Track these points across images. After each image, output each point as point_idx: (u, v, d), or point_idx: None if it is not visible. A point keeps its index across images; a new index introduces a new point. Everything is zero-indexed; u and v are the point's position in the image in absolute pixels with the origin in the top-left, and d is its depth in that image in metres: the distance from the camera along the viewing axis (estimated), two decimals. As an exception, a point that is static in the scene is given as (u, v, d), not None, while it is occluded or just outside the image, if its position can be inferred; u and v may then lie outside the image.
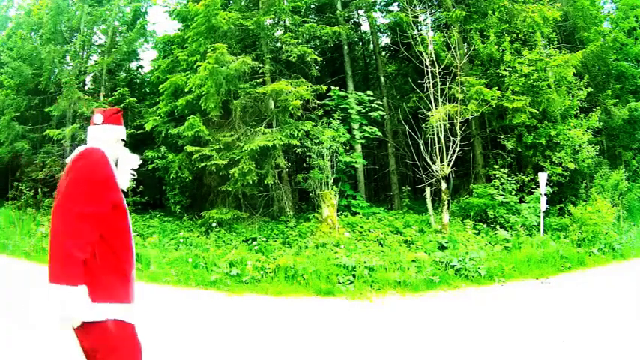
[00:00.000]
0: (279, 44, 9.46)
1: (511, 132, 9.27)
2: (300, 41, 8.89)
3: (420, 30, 9.61)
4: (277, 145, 8.01)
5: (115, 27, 12.64)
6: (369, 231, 7.44)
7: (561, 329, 3.82)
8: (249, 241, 7.30)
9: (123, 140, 1.90)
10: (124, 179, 1.78)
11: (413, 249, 6.72)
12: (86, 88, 13.06)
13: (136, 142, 11.82)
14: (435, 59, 8.17)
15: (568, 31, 11.42)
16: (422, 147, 8.00)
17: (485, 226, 7.87)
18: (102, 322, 1.58)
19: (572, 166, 8.57)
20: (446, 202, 7.62)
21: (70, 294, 1.48)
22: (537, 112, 8.66)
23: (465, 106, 8.29)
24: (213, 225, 7.81)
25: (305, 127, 8.35)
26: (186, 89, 8.50)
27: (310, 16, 11.33)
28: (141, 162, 1.93)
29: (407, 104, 10.33)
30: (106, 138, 1.81)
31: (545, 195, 7.72)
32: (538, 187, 7.89)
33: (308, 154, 8.37)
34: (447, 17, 9.97)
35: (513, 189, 8.39)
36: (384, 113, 10.30)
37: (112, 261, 1.66)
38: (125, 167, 1.81)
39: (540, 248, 6.70)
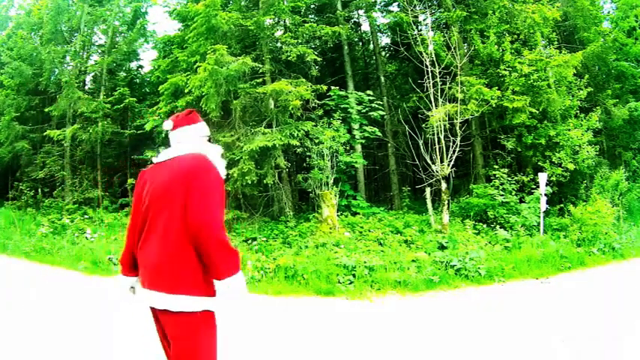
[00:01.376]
0: (279, 44, 9.46)
1: (511, 132, 9.27)
2: (300, 41, 8.89)
3: (420, 30, 9.61)
4: (277, 145, 8.01)
5: (115, 27, 12.65)
6: (369, 231, 7.44)
7: (561, 329, 3.82)
8: (249, 241, 7.30)
9: (208, 136, 2.06)
10: (222, 173, 1.92)
11: (413, 249, 6.72)
12: (86, 88, 13.08)
13: (136, 142, 11.85)
14: (435, 59, 8.17)
15: (568, 31, 11.43)
16: (422, 147, 8.00)
17: (485, 226, 7.87)
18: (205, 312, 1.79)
19: (571, 166, 8.57)
20: (446, 202, 7.62)
21: (243, 279, 1.76)
22: (537, 112, 8.66)
23: (465, 106, 8.29)
24: (213, 225, 7.78)
25: (305, 127, 8.35)
26: (186, 90, 8.50)
27: (310, 16, 11.34)
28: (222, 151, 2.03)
29: (407, 104, 10.33)
30: (197, 138, 1.98)
31: (545, 195, 7.72)
32: (538, 187, 7.89)
33: (308, 154, 8.37)
34: (447, 17, 9.97)
35: (513, 189, 8.39)
36: (384, 113, 10.30)
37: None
38: (220, 162, 1.91)
39: (540, 248, 6.70)
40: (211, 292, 1.77)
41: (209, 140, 2.03)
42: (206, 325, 1.77)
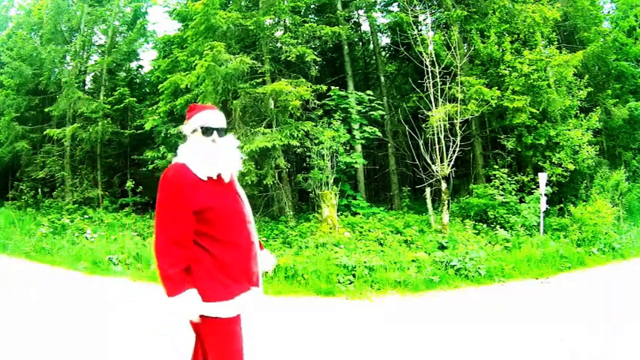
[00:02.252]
0: (279, 44, 9.46)
1: (511, 132, 9.27)
2: (300, 41, 8.89)
3: (420, 30, 9.60)
4: (277, 146, 8.00)
5: (115, 27, 12.65)
6: (369, 231, 7.44)
7: (561, 329, 3.82)
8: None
9: (202, 127, 1.95)
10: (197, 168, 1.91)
11: (413, 249, 6.71)
12: (86, 88, 13.08)
13: (136, 142, 11.86)
14: (435, 59, 8.16)
15: (568, 31, 11.43)
16: (422, 147, 7.99)
17: (485, 226, 7.87)
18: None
19: (571, 166, 8.57)
20: (446, 202, 7.62)
21: (181, 302, 1.80)
22: (537, 112, 8.66)
23: (465, 106, 8.28)
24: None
25: (305, 127, 8.35)
26: (182, 86, 8.48)
27: (310, 16, 11.34)
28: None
29: (407, 104, 10.33)
30: (189, 136, 1.98)
31: (545, 195, 7.71)
32: (538, 187, 7.88)
33: (308, 154, 8.37)
34: (447, 17, 9.97)
35: (513, 189, 8.38)
36: (384, 113, 10.30)
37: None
38: (196, 157, 1.90)
39: (540, 248, 6.69)
40: (208, 298, 1.75)
41: (204, 131, 1.86)
42: (207, 330, 1.78)
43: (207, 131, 1.86)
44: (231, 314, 1.77)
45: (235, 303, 1.78)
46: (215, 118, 1.91)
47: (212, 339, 1.78)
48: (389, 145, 11.37)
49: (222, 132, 1.91)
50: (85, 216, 9.53)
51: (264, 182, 8.15)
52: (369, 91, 9.83)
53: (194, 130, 1.89)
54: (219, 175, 1.84)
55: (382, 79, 11.88)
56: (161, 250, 1.71)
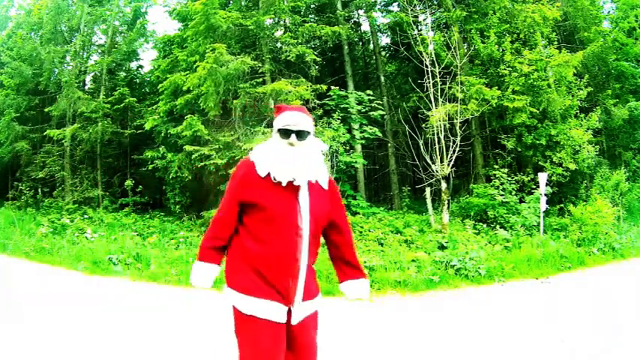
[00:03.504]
0: (278, 44, 9.46)
1: (511, 132, 9.27)
2: (299, 41, 8.89)
3: (420, 30, 9.61)
4: (277, 145, 7.98)
5: (115, 27, 12.64)
6: (369, 231, 7.43)
7: (561, 329, 3.81)
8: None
9: (281, 127, 1.85)
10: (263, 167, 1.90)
11: (413, 249, 6.71)
12: (86, 88, 13.06)
13: (136, 142, 11.85)
14: (435, 59, 8.16)
15: (568, 31, 11.43)
16: (422, 147, 7.99)
17: (485, 226, 7.87)
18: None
19: (572, 166, 8.57)
20: (446, 202, 7.62)
21: (195, 268, 1.98)
22: (537, 111, 8.66)
23: (465, 106, 8.29)
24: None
25: (305, 126, 8.33)
26: (184, 88, 8.49)
27: (310, 16, 11.33)
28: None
29: (407, 104, 10.33)
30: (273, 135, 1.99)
31: (545, 195, 7.72)
32: (538, 187, 7.89)
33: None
34: (447, 17, 9.97)
35: (513, 189, 8.38)
36: (384, 113, 10.30)
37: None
38: (265, 158, 1.90)
39: (540, 248, 6.69)
40: (230, 283, 1.82)
41: (283, 133, 1.78)
42: (233, 316, 1.82)
43: (285, 133, 1.78)
44: (245, 310, 1.74)
45: (251, 301, 1.74)
46: (295, 119, 1.79)
47: (235, 328, 1.81)
48: (389, 145, 11.37)
49: (303, 134, 1.79)
50: (85, 216, 9.53)
51: (264, 182, 8.12)
52: (369, 91, 9.82)
53: (275, 132, 1.85)
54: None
55: (382, 79, 11.88)
56: (210, 224, 1.91)
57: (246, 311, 1.74)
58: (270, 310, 1.73)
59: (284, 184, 1.74)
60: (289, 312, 1.78)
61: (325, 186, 1.90)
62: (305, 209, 1.77)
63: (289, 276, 1.75)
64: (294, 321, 1.79)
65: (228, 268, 1.85)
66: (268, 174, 1.76)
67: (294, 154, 1.75)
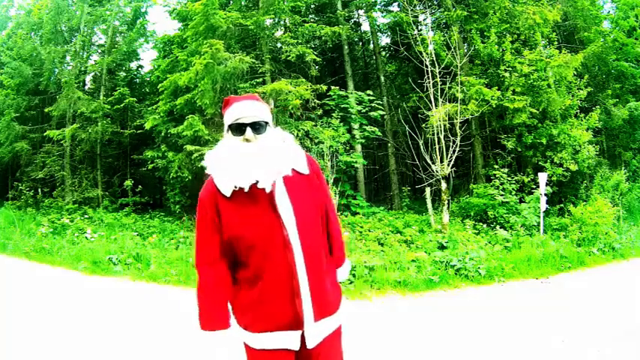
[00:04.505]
0: (278, 44, 9.46)
1: (511, 132, 9.27)
2: (299, 41, 8.89)
3: (420, 30, 9.61)
4: (277, 145, 7.99)
5: (115, 27, 12.65)
6: (369, 231, 7.43)
7: (561, 329, 3.81)
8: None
9: (230, 123, 1.60)
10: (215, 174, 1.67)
11: (413, 249, 6.71)
12: (86, 88, 13.08)
13: (135, 142, 11.86)
14: (435, 59, 8.16)
15: (568, 31, 11.43)
16: (422, 147, 7.99)
17: (485, 226, 7.86)
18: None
19: (573, 167, 8.57)
20: (446, 202, 7.62)
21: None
22: (537, 112, 8.66)
23: (464, 106, 8.28)
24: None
25: (305, 126, 8.35)
26: (180, 84, 8.47)
27: (310, 16, 11.34)
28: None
29: (407, 104, 10.32)
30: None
31: (545, 195, 7.71)
32: (538, 187, 7.88)
33: (308, 153, 8.36)
34: (447, 17, 9.97)
35: (513, 189, 8.38)
36: (384, 113, 10.31)
37: None
38: (217, 163, 1.68)
39: (540, 248, 6.69)
40: (237, 321, 1.62)
41: (234, 128, 1.51)
42: (245, 352, 1.66)
43: (237, 129, 1.49)
44: (256, 346, 1.57)
45: (258, 337, 1.56)
46: (247, 110, 1.49)
47: None
48: (389, 145, 11.37)
49: (259, 126, 1.50)
50: (85, 216, 9.53)
51: (264, 182, 8.12)
52: (369, 91, 9.83)
53: (227, 131, 1.54)
54: (253, 185, 1.46)
55: (382, 79, 11.88)
56: (197, 272, 1.57)
57: (257, 347, 1.57)
58: (282, 341, 1.53)
59: (246, 189, 1.45)
60: (303, 336, 1.53)
61: (305, 170, 1.61)
62: (288, 215, 1.47)
63: (290, 297, 1.48)
64: (309, 345, 1.53)
65: (231, 305, 1.62)
66: (234, 190, 1.47)
67: (251, 151, 1.47)
